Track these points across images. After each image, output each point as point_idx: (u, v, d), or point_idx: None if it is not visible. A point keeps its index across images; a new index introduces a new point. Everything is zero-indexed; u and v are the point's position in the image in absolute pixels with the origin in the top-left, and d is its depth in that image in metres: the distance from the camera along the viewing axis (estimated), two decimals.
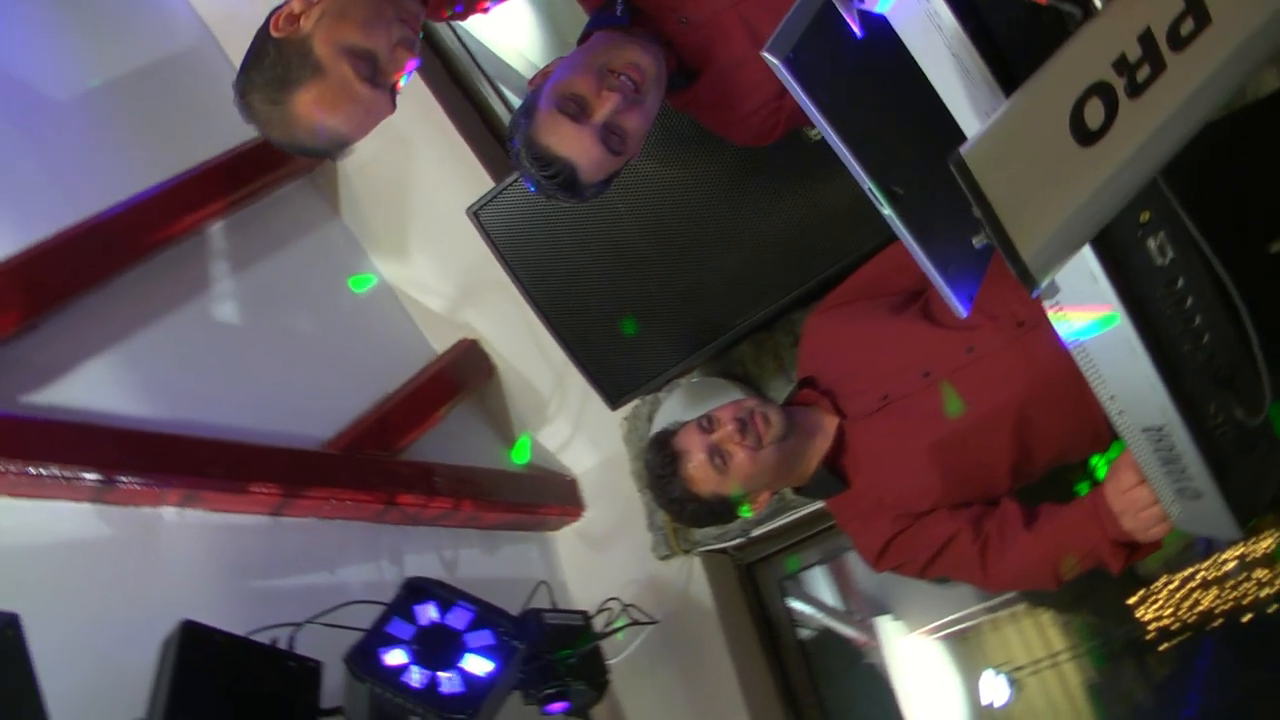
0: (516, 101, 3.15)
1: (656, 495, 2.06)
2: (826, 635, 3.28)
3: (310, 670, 2.11)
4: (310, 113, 1.54)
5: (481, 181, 3.04)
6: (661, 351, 2.59)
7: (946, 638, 3.24)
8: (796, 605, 3.18)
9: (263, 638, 2.09)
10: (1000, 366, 1.85)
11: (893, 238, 1.06)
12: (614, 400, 2.70)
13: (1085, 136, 0.85)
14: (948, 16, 0.87)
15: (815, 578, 3.26)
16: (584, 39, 1.89)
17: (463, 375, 3.30)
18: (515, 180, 2.51)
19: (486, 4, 1.84)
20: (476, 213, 2.57)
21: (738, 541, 2.99)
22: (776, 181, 2.33)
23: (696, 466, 1.95)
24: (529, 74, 2.70)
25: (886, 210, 1.08)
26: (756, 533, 2.97)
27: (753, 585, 3.14)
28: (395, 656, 2.11)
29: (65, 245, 2.37)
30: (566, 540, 3.30)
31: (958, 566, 1.92)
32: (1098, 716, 3.06)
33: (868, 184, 1.06)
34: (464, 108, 3.18)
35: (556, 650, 2.48)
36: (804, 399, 2.08)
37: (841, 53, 1.02)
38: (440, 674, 2.10)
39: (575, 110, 1.71)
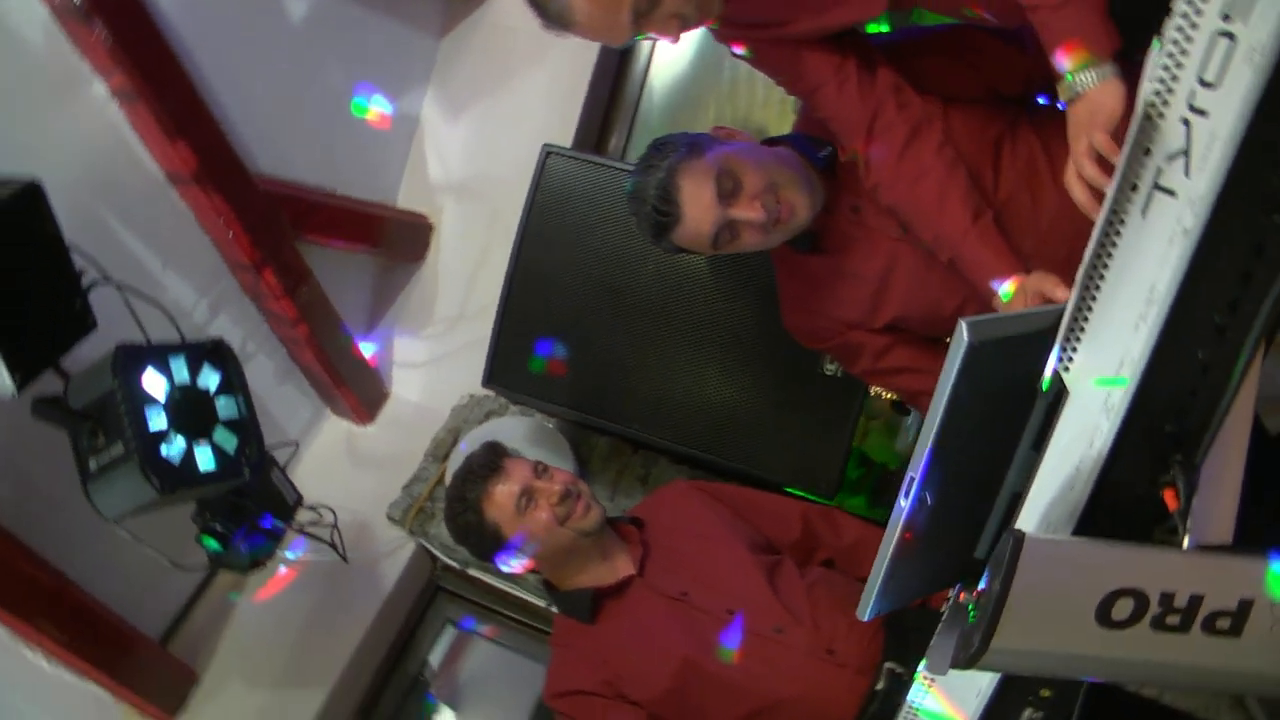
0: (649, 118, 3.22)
1: (454, 485, 2.05)
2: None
3: (83, 322, 1.96)
4: None
5: (564, 134, 3.06)
6: (563, 386, 2.58)
7: None
8: (437, 653, 3.14)
9: (79, 260, 1.95)
10: (787, 664, 1.92)
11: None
12: (489, 380, 2.67)
13: (1102, 617, 0.93)
14: (1102, 443, 0.95)
15: (479, 650, 3.22)
16: (774, 142, 1.96)
17: (396, 238, 3.22)
18: (601, 162, 2.52)
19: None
20: (550, 154, 2.55)
21: (453, 564, 2.95)
22: (768, 371, 2.40)
23: (504, 493, 1.97)
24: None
25: (904, 502, 1.15)
26: (474, 572, 2.95)
27: (427, 604, 3.09)
28: (153, 385, 2.00)
29: None
30: (335, 430, 3.20)
31: None
32: None
33: (916, 474, 1.12)
34: (607, 77, 3.21)
35: (258, 504, 2.39)
36: (623, 532, 2.12)
37: (1002, 373, 1.10)
38: (175, 434, 2.00)
39: (726, 189, 1.75)
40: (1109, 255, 0.97)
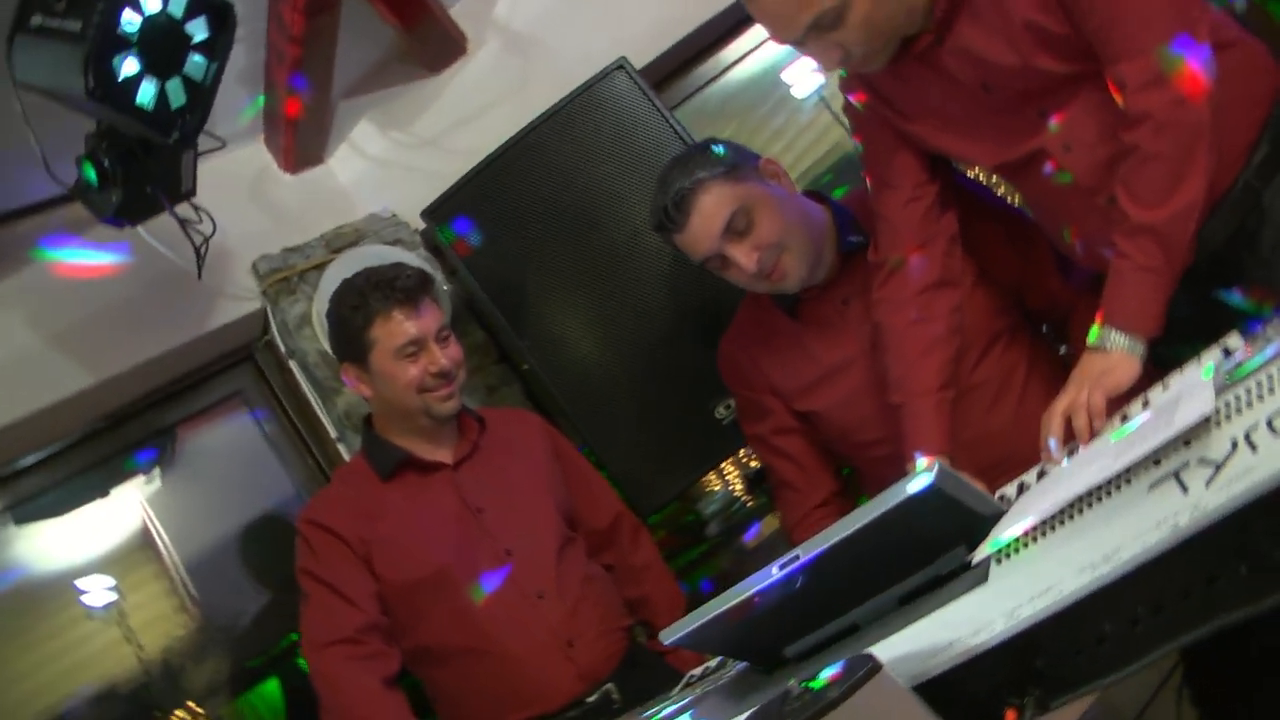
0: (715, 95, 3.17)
1: (365, 280, 1.98)
2: None
3: None
4: None
5: (641, 55, 2.92)
6: (488, 263, 2.49)
7: None
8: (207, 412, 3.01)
9: None
10: (527, 629, 1.90)
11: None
12: (430, 214, 2.55)
13: None
14: (986, 639, 0.98)
15: (244, 433, 3.10)
16: (819, 198, 1.97)
17: (428, 35, 3.00)
18: (657, 105, 2.45)
19: None
20: (620, 68, 2.47)
21: (280, 346, 2.84)
22: (670, 378, 2.38)
23: (400, 327, 1.93)
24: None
25: (776, 571, 1.15)
26: (292, 365, 2.86)
27: (231, 364, 3.03)
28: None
29: None
30: (256, 157, 3.06)
31: None
32: None
33: (805, 557, 1.12)
34: (713, 30, 3.16)
35: (155, 170, 2.23)
36: (464, 422, 2.08)
37: (926, 524, 1.12)
38: (135, 53, 1.85)
39: (737, 226, 1.77)
40: (1100, 500, 1.00)
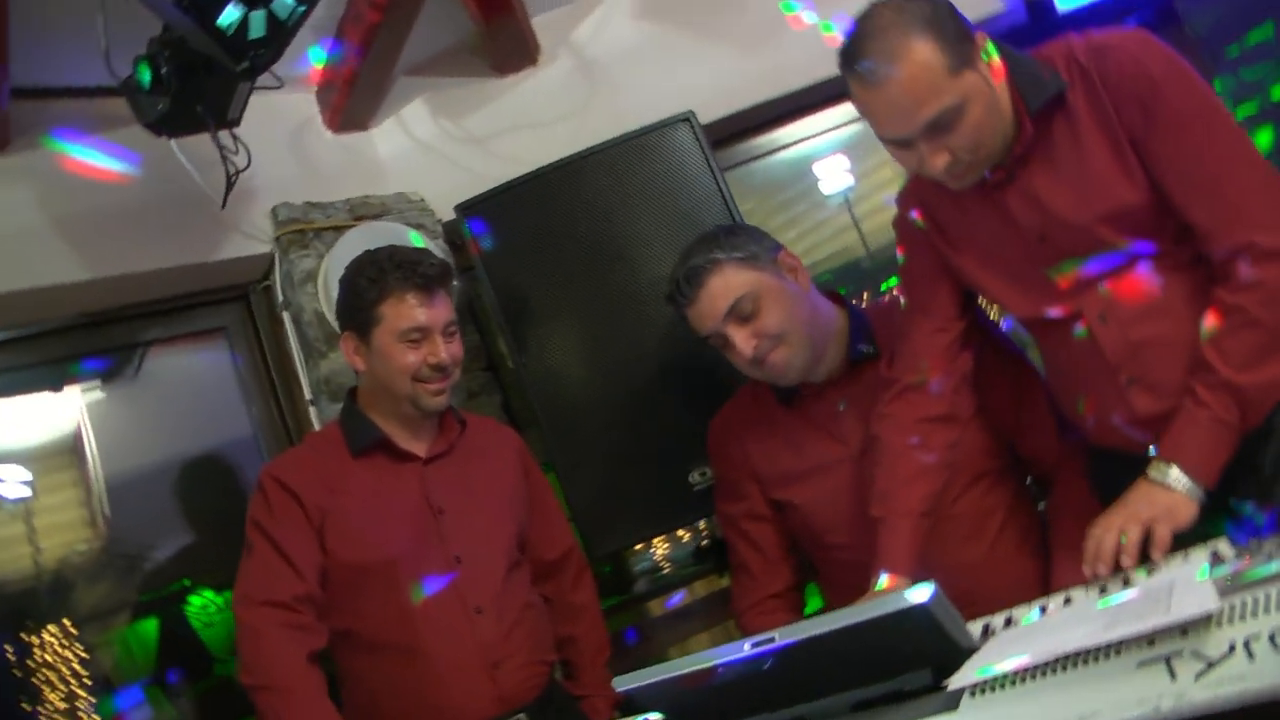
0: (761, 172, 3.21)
1: (388, 255, 1.96)
2: None
3: None
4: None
5: (711, 109, 3.00)
6: (508, 272, 2.48)
7: None
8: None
9: None
10: (458, 641, 1.86)
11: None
12: (465, 209, 2.54)
13: None
14: None
15: (218, 368, 3.05)
16: (832, 296, 2.01)
17: (502, 34, 2.99)
18: (711, 164, 2.46)
19: None
20: (686, 120, 2.49)
21: (279, 296, 2.83)
22: (656, 434, 2.36)
23: (411, 313, 1.91)
24: None
25: (748, 648, 1.14)
26: (285, 317, 2.85)
27: (224, 300, 2.98)
28: None
29: None
30: (303, 107, 3.04)
31: None
32: None
33: (781, 641, 1.11)
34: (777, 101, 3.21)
35: (208, 90, 2.22)
36: (446, 421, 2.06)
37: (903, 641, 1.12)
38: None
39: (743, 311, 1.83)
40: (1086, 662, 1.01)
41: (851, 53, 1.52)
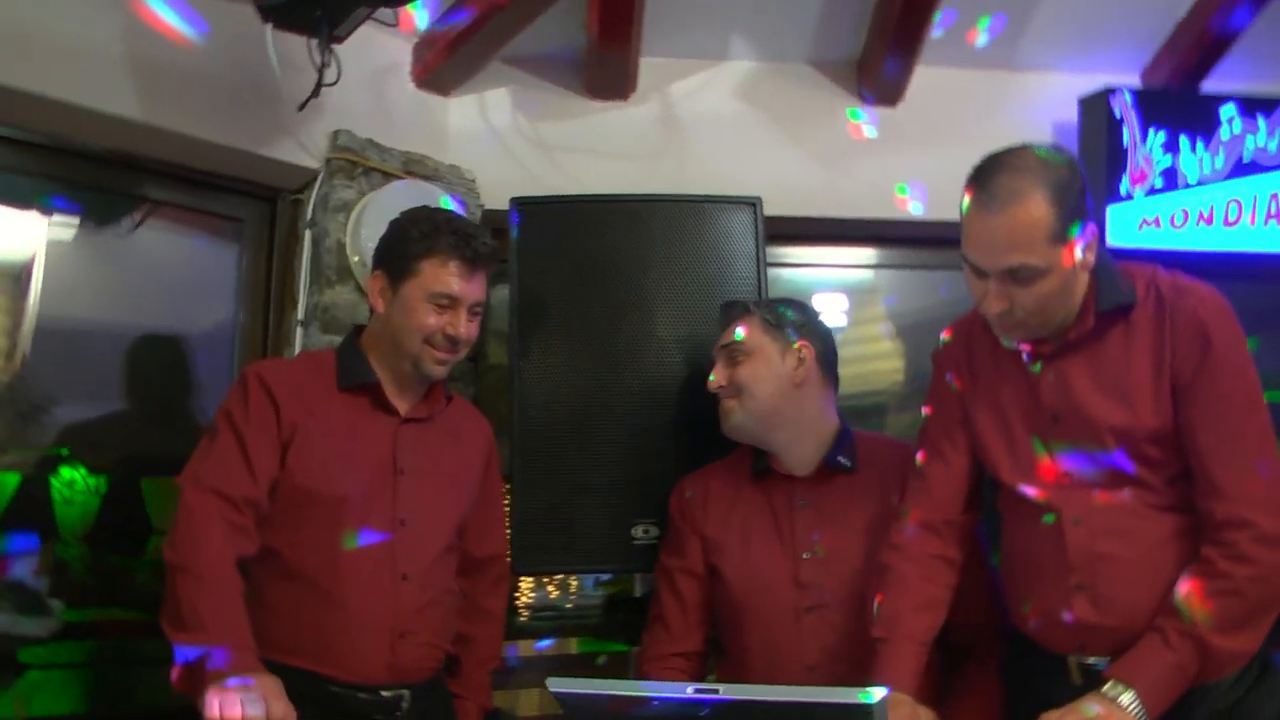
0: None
1: (443, 216, 2.01)
2: None
3: None
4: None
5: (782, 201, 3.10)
6: (533, 283, 2.51)
7: None
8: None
9: None
10: (379, 598, 1.86)
11: None
12: (518, 218, 2.56)
13: None
14: None
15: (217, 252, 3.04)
16: (825, 365, 2.12)
17: (607, 61, 3.10)
18: (755, 252, 2.52)
19: None
20: (753, 206, 2.55)
21: (308, 214, 2.85)
22: (623, 478, 2.36)
23: (448, 277, 1.93)
24: None
25: (690, 691, 1.17)
26: (306, 235, 2.87)
27: (253, 193, 2.97)
28: None
29: None
30: (398, 50, 3.09)
31: None
32: None
33: (724, 696, 1.14)
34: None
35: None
36: (435, 390, 2.07)
37: None
38: None
39: (734, 353, 2.07)
40: None
41: (983, 172, 1.61)
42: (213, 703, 1.51)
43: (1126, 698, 1.50)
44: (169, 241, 3.07)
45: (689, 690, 1.17)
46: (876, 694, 1.09)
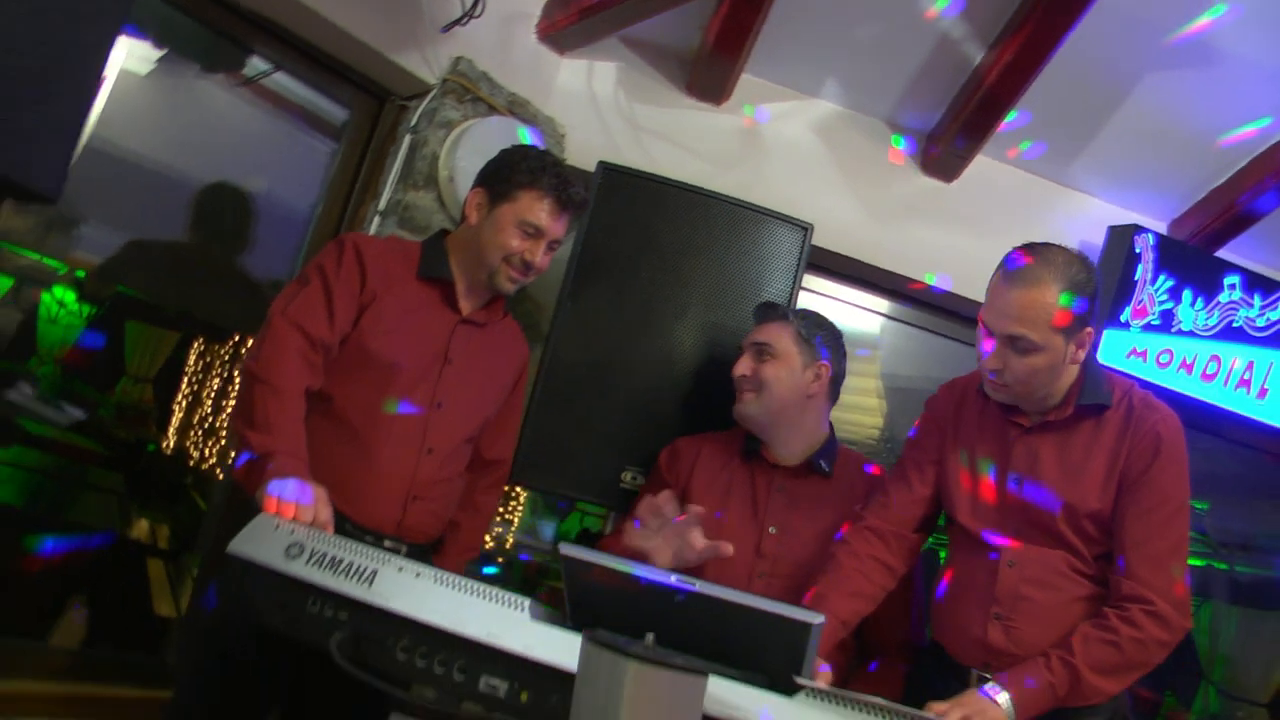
0: None
1: (551, 159, 2.27)
2: None
3: None
4: None
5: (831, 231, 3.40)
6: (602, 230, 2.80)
7: None
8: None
9: None
10: (406, 459, 2.14)
11: None
12: (604, 165, 2.85)
13: None
14: None
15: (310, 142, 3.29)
16: (834, 384, 2.41)
17: (714, 65, 3.38)
18: (818, 291, 2.83)
19: None
20: (805, 233, 2.86)
21: (411, 129, 3.10)
22: (632, 417, 2.68)
23: (540, 210, 2.20)
24: None
25: (674, 580, 1.45)
26: (402, 150, 3.11)
27: (363, 95, 3.21)
28: None
29: None
30: (531, 7, 3.36)
31: None
32: None
33: None
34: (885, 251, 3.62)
35: None
36: (497, 302, 2.34)
37: None
38: None
39: (761, 353, 2.34)
40: None
41: (1021, 252, 1.93)
42: (272, 495, 1.78)
43: (1004, 697, 1.82)
44: (270, 107, 3.30)
45: (672, 578, 1.45)
46: (817, 619, 1.38)
